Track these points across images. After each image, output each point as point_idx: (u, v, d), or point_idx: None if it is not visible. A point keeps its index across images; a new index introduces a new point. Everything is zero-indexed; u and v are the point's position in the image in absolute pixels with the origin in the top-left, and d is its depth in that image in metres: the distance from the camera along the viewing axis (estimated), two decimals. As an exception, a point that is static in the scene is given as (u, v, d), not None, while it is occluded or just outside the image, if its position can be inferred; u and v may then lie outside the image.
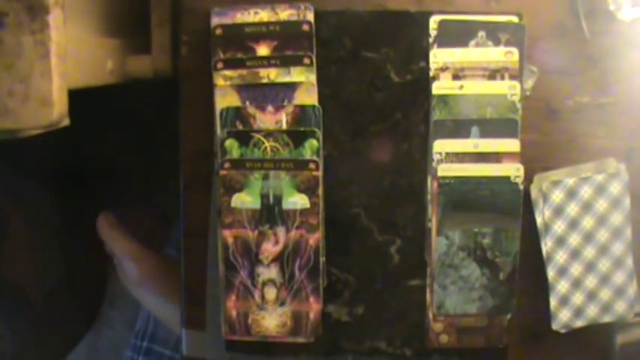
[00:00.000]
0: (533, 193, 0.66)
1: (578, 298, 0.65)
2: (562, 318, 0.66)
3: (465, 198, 0.64)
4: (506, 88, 0.63)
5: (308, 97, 0.64)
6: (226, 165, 0.64)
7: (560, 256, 0.65)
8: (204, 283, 0.68)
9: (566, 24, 0.65)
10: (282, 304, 0.66)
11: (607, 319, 0.66)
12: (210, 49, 0.64)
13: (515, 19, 0.64)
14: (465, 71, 0.64)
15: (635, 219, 0.65)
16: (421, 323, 0.67)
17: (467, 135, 0.64)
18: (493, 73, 0.64)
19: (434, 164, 0.64)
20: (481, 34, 0.63)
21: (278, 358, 0.68)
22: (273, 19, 0.64)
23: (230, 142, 0.64)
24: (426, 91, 0.64)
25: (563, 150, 0.66)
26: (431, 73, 0.64)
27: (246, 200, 0.65)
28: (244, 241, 0.65)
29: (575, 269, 0.65)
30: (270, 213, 0.65)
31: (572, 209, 0.65)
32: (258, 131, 0.64)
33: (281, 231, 0.65)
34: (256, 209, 0.65)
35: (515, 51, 0.63)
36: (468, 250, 0.65)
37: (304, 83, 0.64)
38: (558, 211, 0.65)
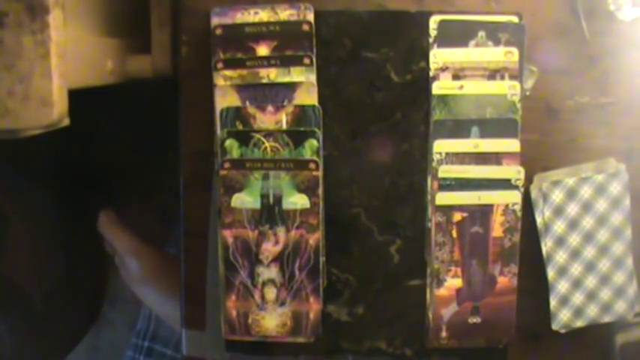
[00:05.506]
0: (533, 193, 0.66)
1: (578, 298, 0.65)
2: (562, 318, 0.66)
3: (465, 198, 0.64)
4: (507, 88, 0.63)
5: (308, 97, 0.64)
6: (226, 165, 0.64)
7: (560, 256, 0.65)
8: (204, 283, 0.68)
9: (566, 24, 0.65)
10: (282, 304, 0.66)
11: (607, 319, 0.66)
12: (210, 49, 0.64)
13: (515, 19, 0.64)
14: (465, 71, 0.64)
15: (635, 219, 0.65)
16: (421, 323, 0.67)
17: (467, 135, 0.64)
18: (493, 73, 0.63)
19: (434, 164, 0.64)
20: (481, 34, 0.63)
21: (278, 358, 0.68)
22: (273, 19, 0.64)
23: (230, 142, 0.64)
24: (426, 91, 0.64)
25: (563, 150, 0.66)
26: (431, 73, 0.64)
27: (246, 200, 0.65)
28: (244, 241, 0.65)
29: (575, 269, 0.65)
30: (270, 213, 0.65)
31: (572, 209, 0.65)
32: (258, 131, 0.64)
33: (281, 231, 0.65)
34: (256, 209, 0.65)
35: (515, 51, 0.63)
36: (468, 250, 0.65)
37: (304, 83, 0.64)
38: (558, 211, 0.65)
